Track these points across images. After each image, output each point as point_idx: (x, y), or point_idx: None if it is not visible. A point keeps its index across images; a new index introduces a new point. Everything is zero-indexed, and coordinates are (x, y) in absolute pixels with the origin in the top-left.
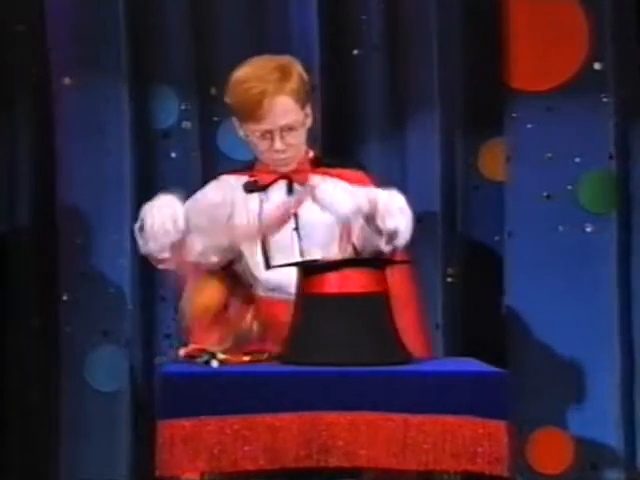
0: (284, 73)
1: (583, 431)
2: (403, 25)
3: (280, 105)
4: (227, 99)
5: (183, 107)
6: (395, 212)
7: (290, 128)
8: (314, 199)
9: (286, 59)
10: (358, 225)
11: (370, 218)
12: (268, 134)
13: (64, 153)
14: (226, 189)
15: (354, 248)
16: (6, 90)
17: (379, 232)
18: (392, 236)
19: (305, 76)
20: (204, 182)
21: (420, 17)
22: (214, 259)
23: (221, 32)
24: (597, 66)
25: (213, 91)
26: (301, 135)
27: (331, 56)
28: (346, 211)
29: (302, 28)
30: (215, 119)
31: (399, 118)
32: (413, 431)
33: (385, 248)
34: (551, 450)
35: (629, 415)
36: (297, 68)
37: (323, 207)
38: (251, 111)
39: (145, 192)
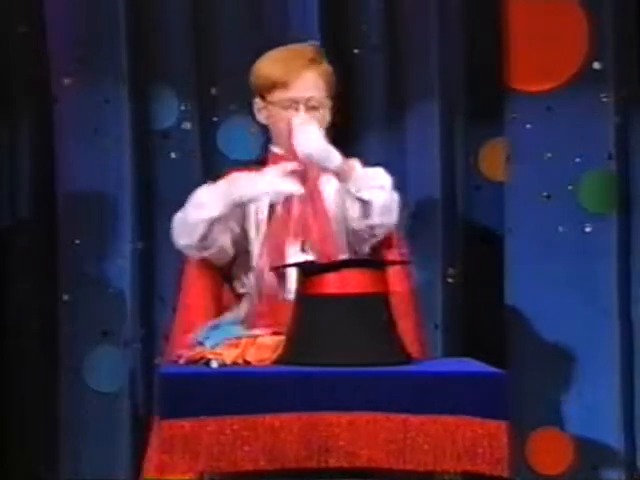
0: (316, 55)
1: (583, 431)
2: (403, 25)
3: (310, 78)
4: (252, 79)
5: (183, 108)
6: (371, 183)
7: (315, 107)
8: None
9: (318, 47)
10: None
11: (343, 182)
12: (294, 104)
13: (64, 153)
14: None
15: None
16: (6, 90)
17: (352, 200)
18: (366, 208)
19: (331, 71)
20: (203, 183)
21: (420, 17)
22: (229, 249)
23: (221, 32)
24: (597, 66)
25: (213, 91)
26: (324, 118)
27: (330, 55)
28: (310, 150)
29: (302, 28)
30: (215, 119)
31: (398, 117)
32: (413, 431)
33: (359, 224)
34: (551, 450)
35: (629, 415)
36: (326, 60)
37: (295, 142)
38: (280, 79)
39: (145, 192)
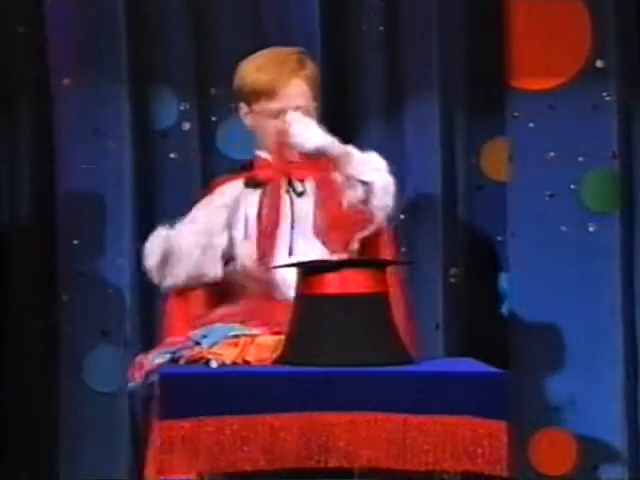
0: (300, 60)
1: (585, 431)
2: (403, 24)
3: (296, 86)
4: (237, 84)
5: (182, 107)
6: (370, 166)
7: (301, 113)
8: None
9: (301, 50)
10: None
11: (343, 166)
12: (280, 114)
13: (63, 153)
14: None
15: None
16: (6, 90)
17: (353, 183)
18: (368, 190)
19: (317, 71)
20: (203, 182)
21: (420, 16)
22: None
23: (221, 32)
24: (599, 64)
25: (212, 91)
26: None
27: (330, 58)
28: (313, 143)
29: (303, 28)
30: (214, 119)
31: (399, 117)
32: (413, 431)
33: (361, 204)
34: (553, 451)
35: (632, 415)
36: (311, 61)
37: (293, 138)
38: (267, 89)
39: (144, 192)
